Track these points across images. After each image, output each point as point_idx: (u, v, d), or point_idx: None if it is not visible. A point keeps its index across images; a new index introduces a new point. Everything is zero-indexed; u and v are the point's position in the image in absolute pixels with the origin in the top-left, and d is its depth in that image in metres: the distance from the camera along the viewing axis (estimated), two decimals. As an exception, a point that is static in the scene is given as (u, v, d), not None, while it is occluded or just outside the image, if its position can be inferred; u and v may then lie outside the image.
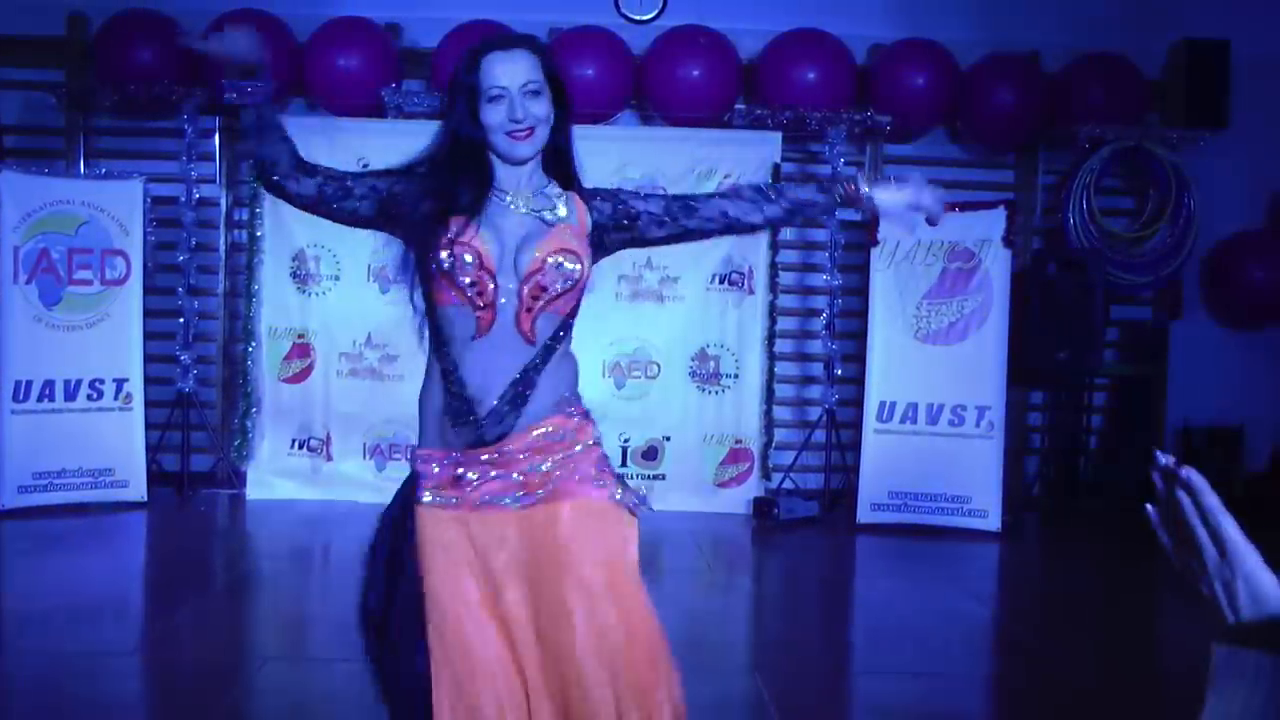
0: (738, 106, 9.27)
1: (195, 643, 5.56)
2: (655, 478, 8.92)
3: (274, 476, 8.91)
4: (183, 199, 8.92)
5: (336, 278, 8.85)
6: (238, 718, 4.74)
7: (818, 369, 9.37)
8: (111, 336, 8.56)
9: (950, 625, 6.22)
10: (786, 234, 9.23)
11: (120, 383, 8.57)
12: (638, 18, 9.60)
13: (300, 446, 8.93)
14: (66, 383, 8.44)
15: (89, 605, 6.17)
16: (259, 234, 8.89)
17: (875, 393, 8.59)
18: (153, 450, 8.80)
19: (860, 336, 8.86)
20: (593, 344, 8.82)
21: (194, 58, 8.99)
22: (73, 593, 6.39)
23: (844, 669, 5.64)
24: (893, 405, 8.55)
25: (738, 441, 8.98)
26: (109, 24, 9.10)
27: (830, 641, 6.07)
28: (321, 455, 8.92)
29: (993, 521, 8.36)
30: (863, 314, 8.81)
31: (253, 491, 8.84)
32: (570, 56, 9.13)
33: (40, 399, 8.35)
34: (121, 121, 9.42)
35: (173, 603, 6.24)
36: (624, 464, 8.89)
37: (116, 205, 8.57)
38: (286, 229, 8.82)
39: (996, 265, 8.49)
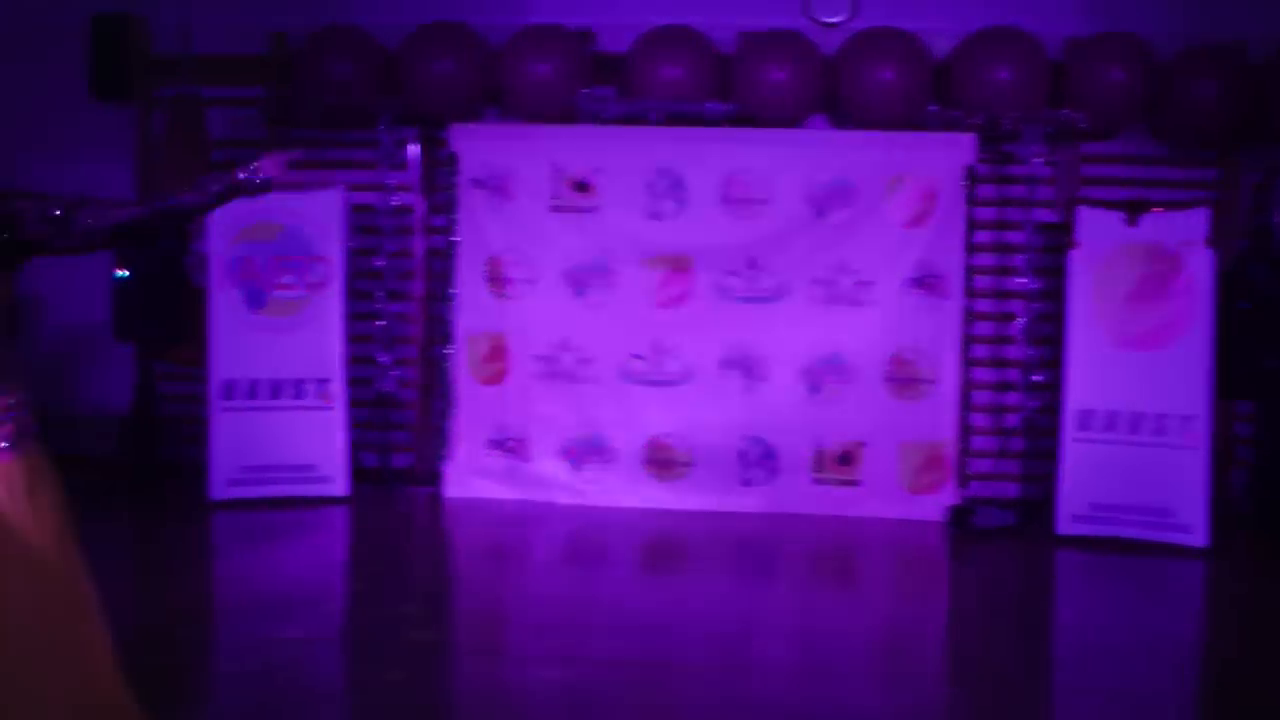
0: (930, 108, 9.14)
1: (394, 634, 5.70)
2: (849, 484, 8.89)
3: (471, 475, 9.08)
4: (380, 206, 9.14)
5: (531, 281, 8.97)
6: (435, 712, 4.86)
7: (1014, 375, 9.21)
8: (314, 338, 8.86)
9: (1154, 644, 6.08)
10: (981, 237, 9.11)
11: (323, 383, 8.86)
12: (828, 20, 9.55)
13: (497, 446, 9.09)
14: (272, 382, 8.74)
15: (295, 595, 6.39)
16: (455, 239, 9.05)
17: (1074, 400, 8.41)
18: (354, 448, 9.07)
19: (1058, 341, 8.68)
20: (787, 348, 8.86)
21: (391, 71, 9.24)
22: (280, 582, 6.63)
23: (1045, 686, 5.56)
24: (1092, 413, 8.37)
25: (933, 448, 8.88)
26: (308, 41, 9.41)
27: (1030, 657, 5.98)
28: (518, 455, 9.06)
29: (1198, 537, 8.08)
30: (1060, 318, 8.63)
31: (451, 490, 9.03)
32: (759, 60, 9.15)
33: (247, 397, 8.69)
34: (321, 133, 9.68)
35: (373, 595, 6.42)
36: (818, 469, 8.88)
37: (317, 214, 8.88)
38: (482, 234, 8.99)
39: (1200, 268, 8.25)
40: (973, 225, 8.85)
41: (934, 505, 8.80)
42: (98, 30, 9.56)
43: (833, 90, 9.29)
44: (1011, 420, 9.18)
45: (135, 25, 9.63)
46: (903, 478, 8.88)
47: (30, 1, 9.87)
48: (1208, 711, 5.28)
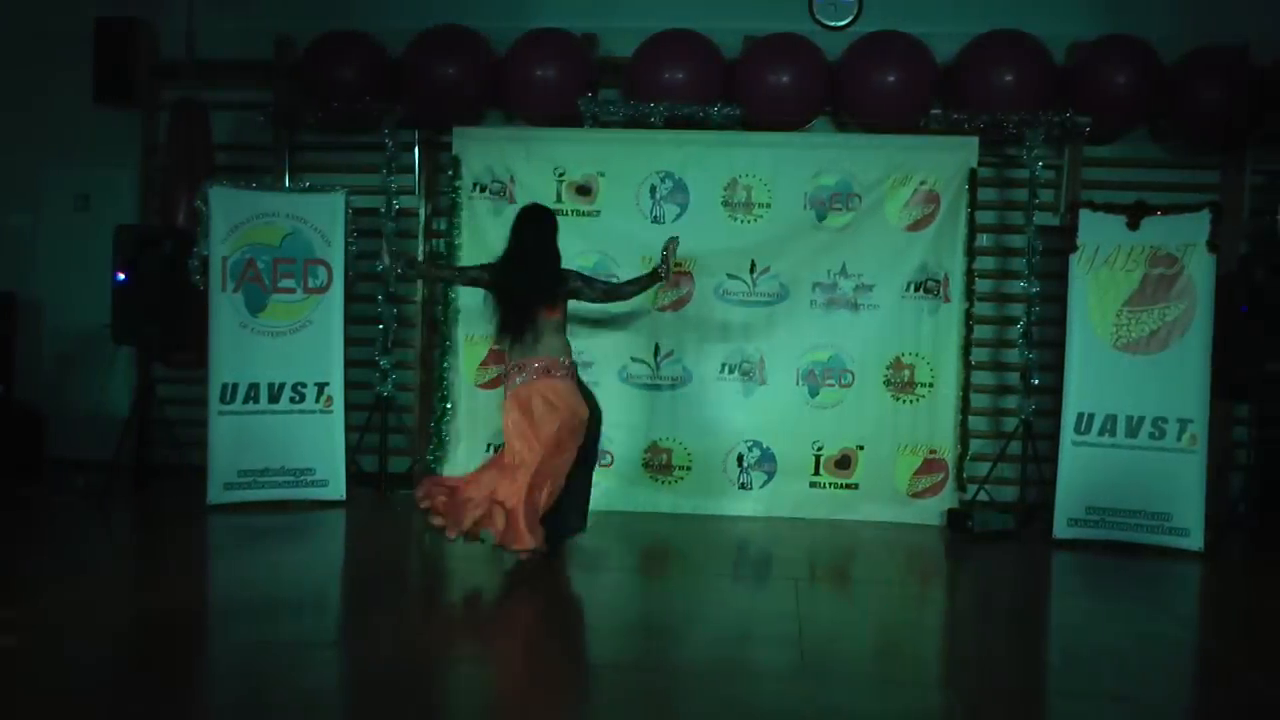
0: (934, 111, 9.13)
1: (391, 638, 5.69)
2: (848, 487, 8.88)
3: (470, 479, 9.08)
4: (383, 210, 9.15)
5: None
6: (430, 714, 4.84)
7: (1014, 378, 9.19)
8: (314, 342, 8.86)
9: (1150, 648, 6.02)
10: (983, 240, 9.09)
11: (322, 386, 8.86)
12: (832, 24, 9.55)
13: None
14: (270, 386, 8.75)
15: (291, 598, 6.39)
16: (457, 243, 9.06)
17: (1073, 403, 8.37)
18: (352, 451, 9.10)
19: (1058, 345, 8.65)
20: (786, 351, 8.85)
21: (395, 74, 9.27)
22: (276, 586, 6.63)
23: (1040, 689, 5.50)
24: (1091, 417, 8.33)
25: (932, 451, 8.86)
26: (313, 45, 9.45)
27: (1025, 660, 5.91)
28: (515, 460, 9.06)
29: (1195, 540, 8.08)
30: (1061, 322, 8.60)
31: (449, 494, 9.02)
32: (763, 64, 9.14)
33: (246, 401, 8.69)
34: (325, 137, 9.74)
35: (371, 598, 6.41)
36: (817, 473, 8.87)
37: (319, 216, 8.88)
38: (483, 238, 8.97)
39: (1201, 271, 8.21)
40: (974, 228, 8.81)
41: (932, 509, 8.80)
42: (102, 35, 9.64)
43: (836, 93, 9.29)
44: (1011, 424, 9.14)
45: (140, 30, 9.73)
46: (901, 481, 8.87)
47: (36, 6, 9.95)
48: (1204, 715, 5.22)
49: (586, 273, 7.83)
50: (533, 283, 7.01)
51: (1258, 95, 8.97)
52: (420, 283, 9.66)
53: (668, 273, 7.39)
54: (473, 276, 7.32)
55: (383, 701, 4.74)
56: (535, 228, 7.12)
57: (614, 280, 7.78)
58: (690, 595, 7.07)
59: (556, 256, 7.17)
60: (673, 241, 7.39)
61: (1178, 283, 8.24)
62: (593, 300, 7.39)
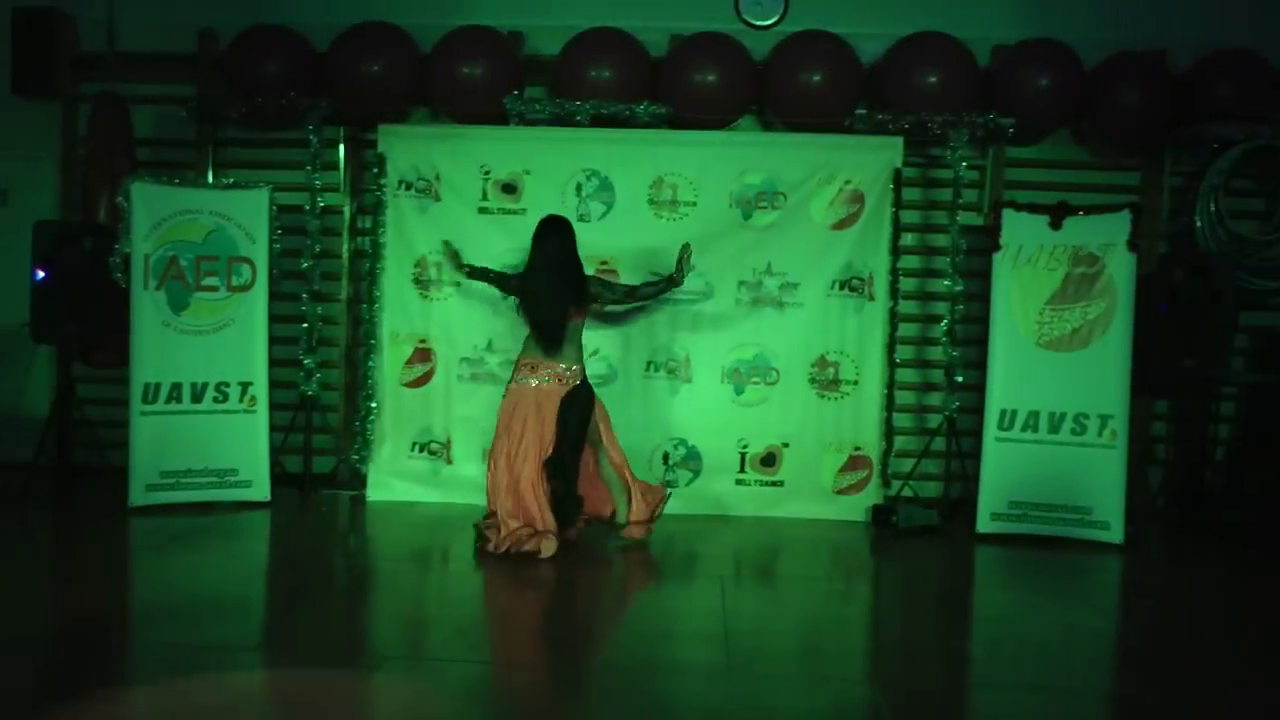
0: (859, 111, 9.19)
1: (315, 640, 5.63)
2: (774, 484, 8.92)
3: (394, 478, 9.05)
4: (307, 207, 9.08)
5: (458, 284, 8.92)
6: (355, 715, 4.80)
7: (938, 375, 9.28)
8: (237, 341, 8.75)
9: (1071, 639, 6.11)
10: (907, 239, 9.16)
11: (245, 386, 8.76)
12: (759, 23, 9.58)
13: (421, 449, 9.05)
14: (193, 385, 8.64)
15: (213, 601, 6.31)
16: (382, 241, 9.00)
17: (996, 400, 8.47)
18: (276, 452, 9.01)
19: (981, 343, 8.76)
20: (712, 350, 8.87)
21: (320, 70, 9.20)
22: (197, 588, 6.54)
23: (963, 681, 5.55)
24: (1014, 413, 8.44)
25: (857, 449, 8.92)
26: (237, 39, 9.34)
27: (949, 653, 5.96)
28: (442, 458, 9.04)
29: (1115, 534, 8.24)
30: (984, 320, 8.70)
31: (373, 493, 8.99)
32: (691, 62, 9.16)
33: (168, 401, 8.57)
34: (249, 133, 9.63)
35: (294, 600, 6.35)
36: (742, 470, 8.90)
37: (243, 214, 8.77)
38: (408, 236, 8.95)
39: (1121, 270, 8.35)
40: (899, 227, 8.88)
41: (857, 505, 8.87)
42: (21, 24, 9.49)
43: (762, 93, 9.32)
44: (935, 421, 9.23)
45: (59, 20, 9.57)
46: (826, 478, 8.93)
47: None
48: (1124, 705, 5.28)
49: (604, 277, 8.40)
50: (561, 291, 7.54)
51: (1175, 99, 9.12)
52: (345, 279, 9.59)
53: (682, 277, 7.90)
54: (512, 287, 7.93)
55: (306, 704, 4.70)
56: (559, 239, 7.65)
57: (630, 284, 8.14)
58: (615, 593, 7.08)
59: (580, 264, 7.73)
60: (686, 248, 7.90)
61: (1099, 282, 8.36)
62: (614, 302, 8.10)
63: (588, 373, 7.81)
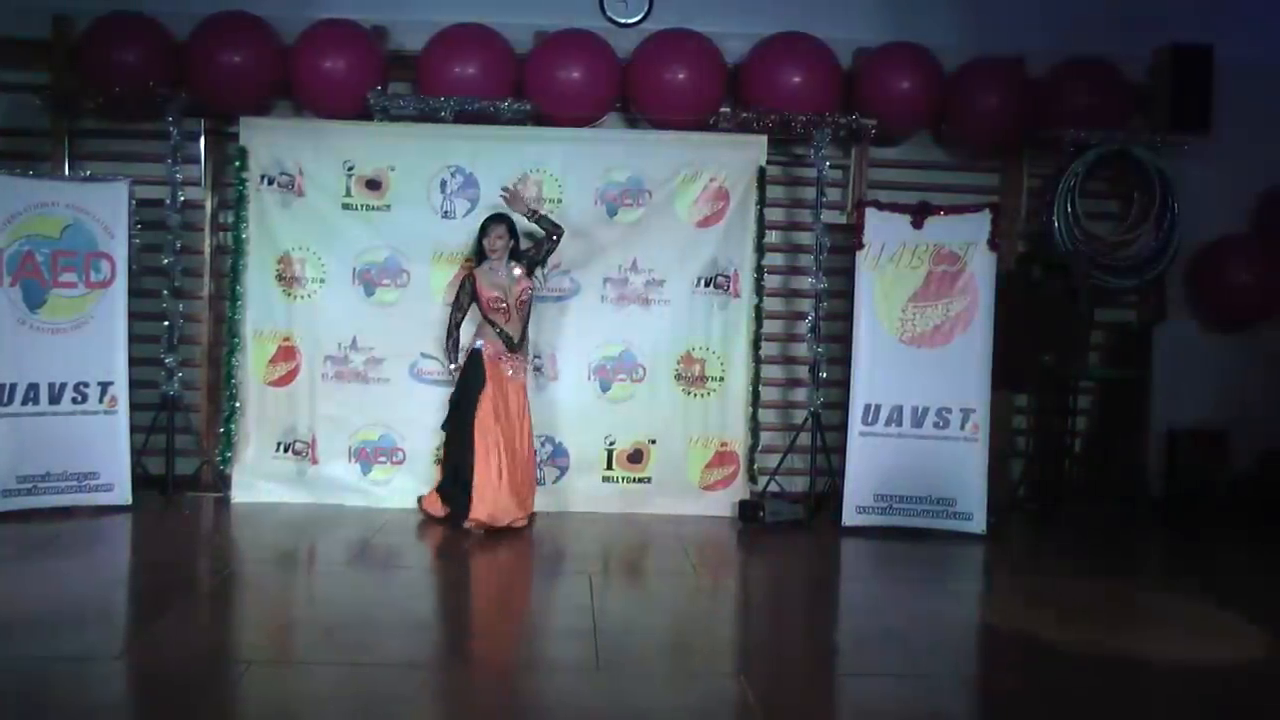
0: (723, 109, 9.27)
1: (180, 646, 5.51)
2: (641, 480, 8.95)
3: (259, 479, 8.89)
4: (168, 201, 8.89)
5: (322, 280, 8.83)
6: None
7: (803, 372, 9.39)
8: (96, 339, 8.53)
9: (935, 627, 6.22)
10: (772, 237, 9.26)
11: (105, 386, 8.54)
12: (623, 21, 9.61)
13: (285, 449, 8.92)
14: (51, 386, 8.41)
15: (73, 610, 6.10)
16: (244, 237, 8.85)
17: (861, 395, 8.60)
18: (137, 454, 8.78)
19: (846, 339, 8.88)
20: (578, 347, 8.87)
21: (180, 60, 9.00)
22: (56, 598, 6.33)
23: (829, 671, 5.63)
24: (878, 408, 8.57)
25: (723, 444, 8.98)
26: (94, 26, 9.09)
27: (815, 644, 6.05)
28: (306, 458, 8.90)
29: (978, 524, 8.44)
30: (848, 317, 8.82)
31: (238, 495, 8.84)
32: (556, 59, 9.15)
33: (25, 402, 8.32)
34: (107, 123, 9.39)
35: (158, 607, 6.19)
36: (609, 467, 8.92)
37: (101, 208, 8.55)
38: (271, 232, 8.82)
39: (981, 268, 8.52)
40: (763, 225, 8.97)
41: (724, 501, 8.92)
42: None
43: (627, 90, 9.35)
44: (800, 416, 9.33)
45: (-95, 2, 9.23)
46: (693, 474, 8.98)
47: None
48: (987, 690, 5.39)
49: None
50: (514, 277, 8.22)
51: (1032, 104, 9.35)
52: (206, 276, 9.43)
53: (549, 222, 8.33)
54: (467, 301, 8.36)
55: (170, 713, 4.62)
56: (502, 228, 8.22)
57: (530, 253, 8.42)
58: (483, 591, 7.06)
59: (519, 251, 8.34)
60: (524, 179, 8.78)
61: (960, 279, 8.53)
62: (540, 259, 8.40)
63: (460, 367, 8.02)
